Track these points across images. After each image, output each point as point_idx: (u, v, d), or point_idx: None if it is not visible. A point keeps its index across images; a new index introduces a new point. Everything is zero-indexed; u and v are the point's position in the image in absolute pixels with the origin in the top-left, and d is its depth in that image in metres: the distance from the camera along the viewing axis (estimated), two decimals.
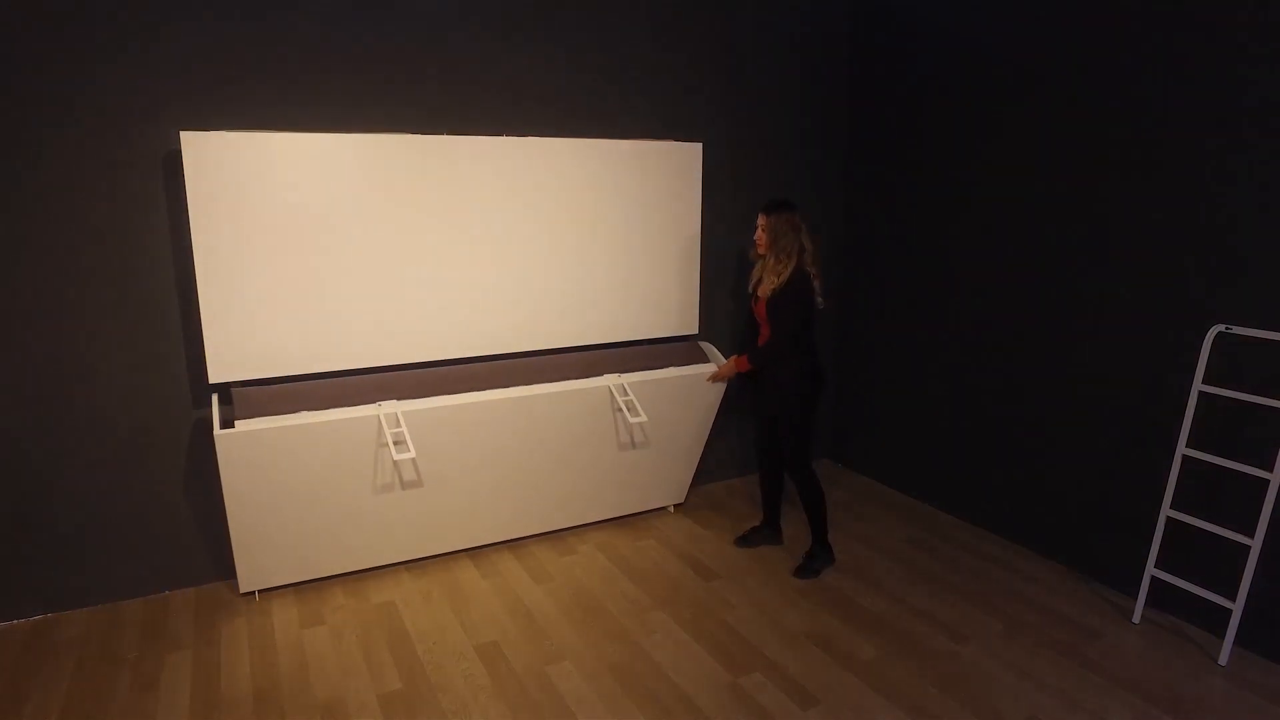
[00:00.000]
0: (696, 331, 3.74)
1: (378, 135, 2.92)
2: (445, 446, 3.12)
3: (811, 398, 3.26)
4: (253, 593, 3.14)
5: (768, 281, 3.18)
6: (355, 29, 3.06)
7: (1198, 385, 2.79)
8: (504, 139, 3.13)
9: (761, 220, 3.20)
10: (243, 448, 2.75)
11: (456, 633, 2.93)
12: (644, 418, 3.35)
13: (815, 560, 3.40)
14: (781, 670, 2.73)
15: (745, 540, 3.65)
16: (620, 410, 3.37)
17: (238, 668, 2.73)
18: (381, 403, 2.96)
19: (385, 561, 3.31)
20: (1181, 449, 2.84)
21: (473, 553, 3.51)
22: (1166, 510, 2.90)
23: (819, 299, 3.19)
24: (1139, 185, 2.99)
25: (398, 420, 2.94)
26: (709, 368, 3.57)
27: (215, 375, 2.84)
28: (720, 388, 3.65)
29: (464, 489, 3.32)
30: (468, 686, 2.63)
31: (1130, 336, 3.07)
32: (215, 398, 2.86)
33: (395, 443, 2.91)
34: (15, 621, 2.97)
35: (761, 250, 3.21)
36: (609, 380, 3.37)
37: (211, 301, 2.78)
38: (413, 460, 3.04)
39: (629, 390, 3.38)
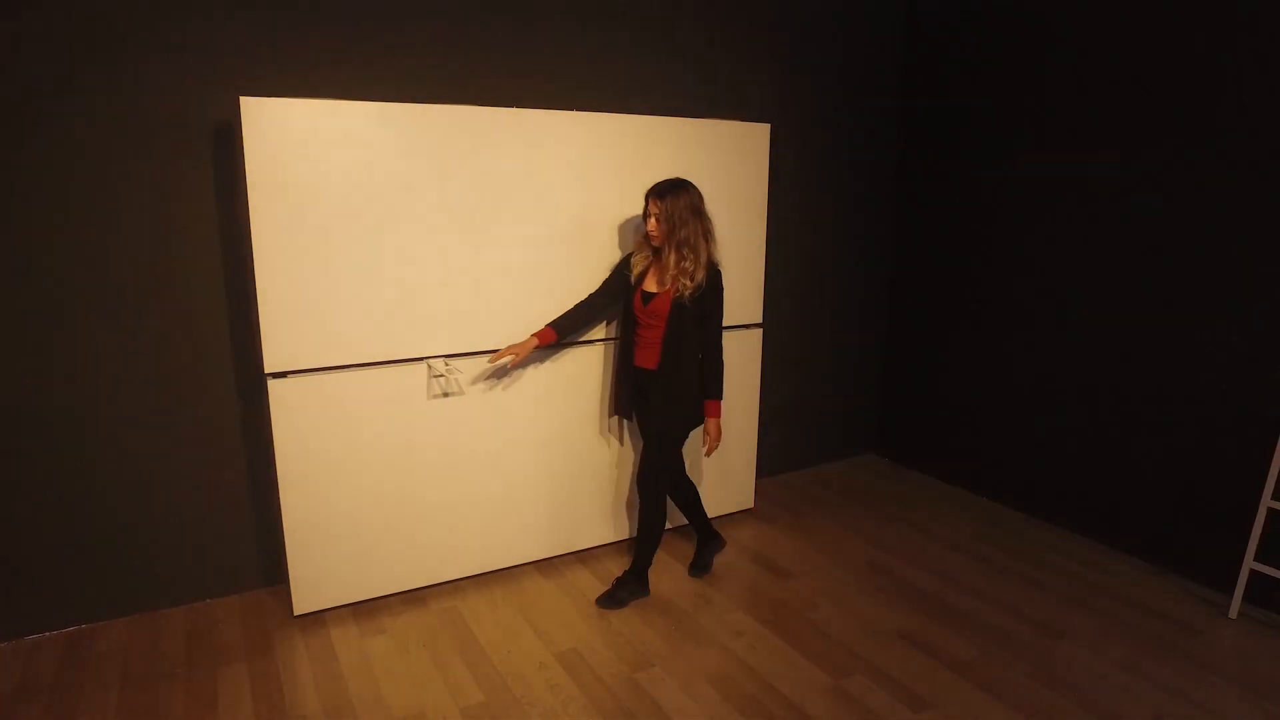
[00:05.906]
0: (760, 321, 3.58)
1: (448, 106, 2.72)
2: (492, 400, 3.03)
3: None
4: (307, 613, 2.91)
5: (676, 280, 2.70)
6: None
7: None
8: (575, 114, 2.95)
9: (653, 207, 2.68)
10: (295, 396, 2.67)
11: (530, 639, 2.75)
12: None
13: (624, 589, 2.95)
14: (883, 672, 2.59)
15: (699, 567, 3.21)
16: None
17: (300, 680, 2.52)
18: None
19: (446, 578, 3.10)
20: None
21: (537, 562, 3.33)
22: (1268, 501, 2.81)
23: None
24: (1243, 165, 2.90)
25: (445, 364, 2.90)
26: None
27: (271, 364, 2.62)
28: (756, 346, 3.57)
29: (527, 497, 3.16)
30: (555, 697, 2.44)
31: (1226, 320, 2.98)
32: (271, 383, 2.65)
33: (445, 376, 2.90)
34: (49, 633, 2.73)
35: (656, 241, 2.72)
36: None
37: (269, 283, 2.55)
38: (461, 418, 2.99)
39: None
